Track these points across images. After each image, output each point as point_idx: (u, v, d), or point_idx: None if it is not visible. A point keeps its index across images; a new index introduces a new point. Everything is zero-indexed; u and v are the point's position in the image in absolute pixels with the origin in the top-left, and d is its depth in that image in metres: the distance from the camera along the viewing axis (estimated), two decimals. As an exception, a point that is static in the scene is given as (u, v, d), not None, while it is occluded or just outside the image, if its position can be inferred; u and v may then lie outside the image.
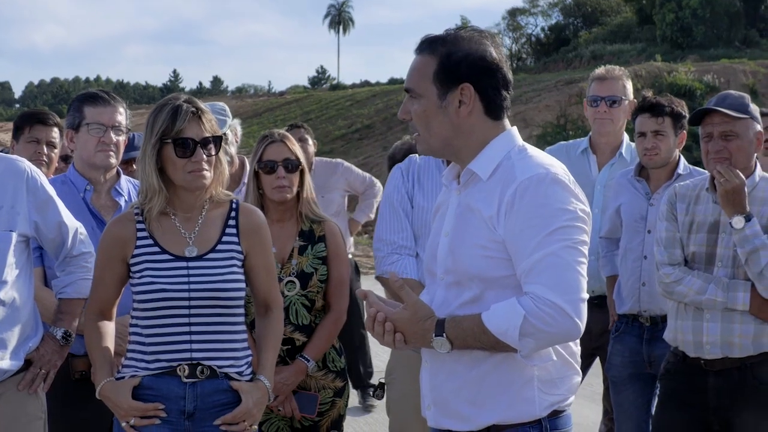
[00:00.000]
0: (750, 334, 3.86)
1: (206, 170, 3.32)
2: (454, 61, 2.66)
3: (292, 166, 4.05)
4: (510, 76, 2.72)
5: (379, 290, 3.88)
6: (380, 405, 7.59)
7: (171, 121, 3.27)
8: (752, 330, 3.86)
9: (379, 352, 7.91)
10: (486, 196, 2.63)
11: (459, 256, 2.68)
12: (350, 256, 7.22)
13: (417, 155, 4.09)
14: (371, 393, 7.74)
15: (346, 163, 8.03)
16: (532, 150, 2.71)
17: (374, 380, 7.84)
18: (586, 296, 2.52)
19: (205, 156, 3.31)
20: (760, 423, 3.91)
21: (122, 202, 4.11)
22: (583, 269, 2.52)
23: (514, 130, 2.76)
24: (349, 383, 4.19)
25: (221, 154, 3.40)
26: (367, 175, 8.31)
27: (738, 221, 3.81)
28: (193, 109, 3.32)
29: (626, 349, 4.66)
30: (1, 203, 3.47)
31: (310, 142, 7.81)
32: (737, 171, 3.82)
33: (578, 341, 2.70)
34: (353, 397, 7.87)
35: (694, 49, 58.53)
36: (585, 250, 2.54)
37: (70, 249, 3.67)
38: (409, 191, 3.96)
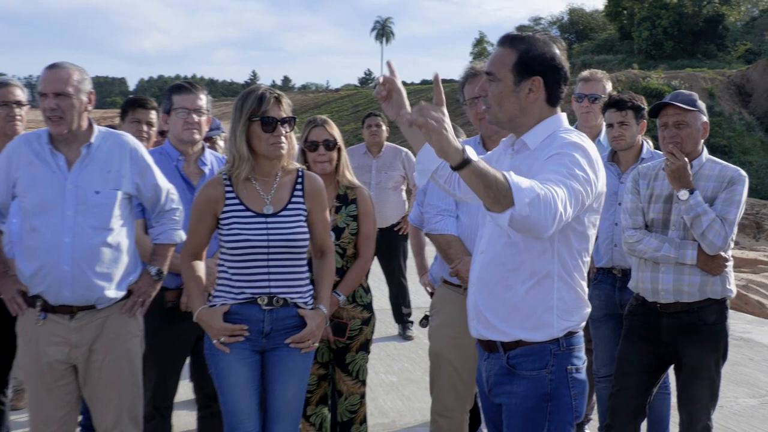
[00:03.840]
0: (697, 283, 3.83)
1: (284, 143, 3.35)
2: (531, 57, 2.64)
3: (331, 145, 4.04)
4: (569, 73, 2.70)
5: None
6: (415, 333, 7.89)
7: (258, 104, 3.29)
8: (698, 280, 3.83)
9: (419, 294, 7.99)
10: (531, 162, 2.61)
11: None
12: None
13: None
14: (411, 325, 7.97)
15: (410, 153, 7.85)
16: (574, 132, 2.67)
17: (413, 317, 8.01)
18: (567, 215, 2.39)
19: (283, 131, 3.34)
20: (703, 355, 3.87)
21: (206, 170, 4.11)
22: (566, 207, 2.36)
23: (563, 115, 2.75)
24: (375, 316, 4.19)
25: (292, 132, 3.41)
26: None
27: (683, 194, 3.78)
28: (275, 95, 3.35)
29: (602, 294, 4.62)
30: (109, 168, 3.51)
31: (384, 127, 7.81)
32: (681, 154, 3.79)
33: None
34: (396, 328, 8.15)
35: (665, 59, 57.71)
36: (576, 199, 2.41)
37: (163, 205, 3.71)
38: None
